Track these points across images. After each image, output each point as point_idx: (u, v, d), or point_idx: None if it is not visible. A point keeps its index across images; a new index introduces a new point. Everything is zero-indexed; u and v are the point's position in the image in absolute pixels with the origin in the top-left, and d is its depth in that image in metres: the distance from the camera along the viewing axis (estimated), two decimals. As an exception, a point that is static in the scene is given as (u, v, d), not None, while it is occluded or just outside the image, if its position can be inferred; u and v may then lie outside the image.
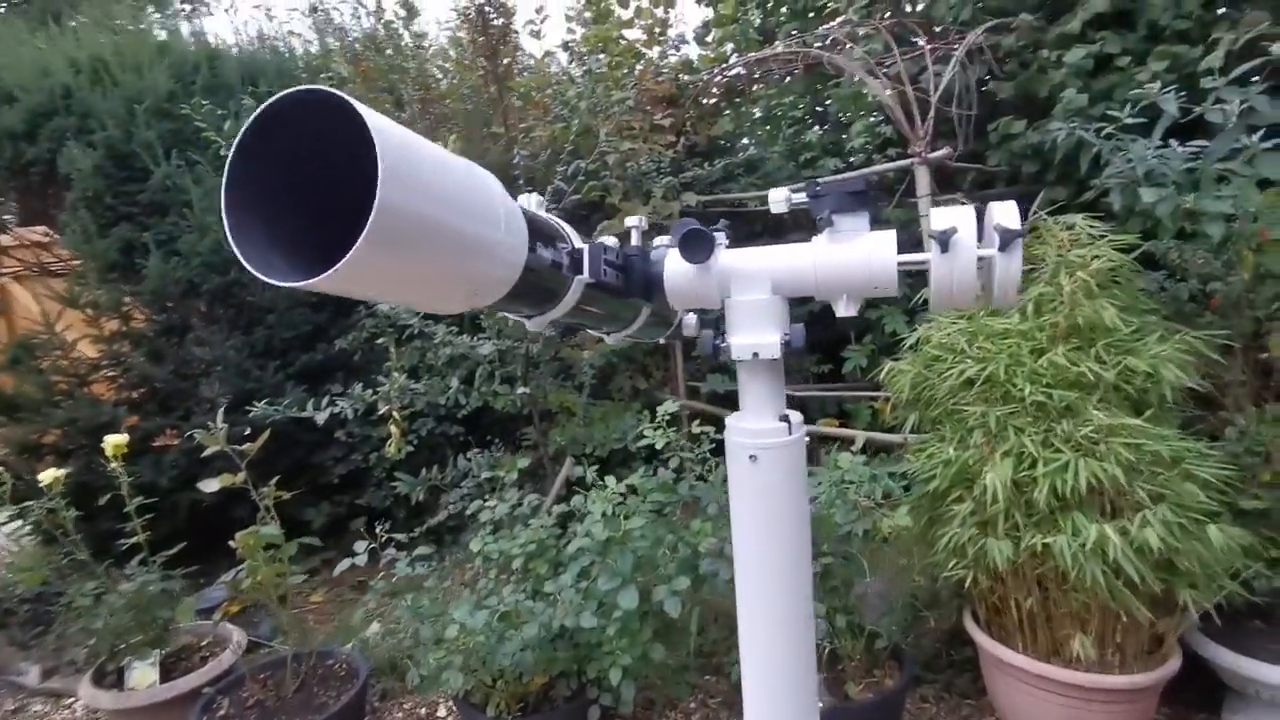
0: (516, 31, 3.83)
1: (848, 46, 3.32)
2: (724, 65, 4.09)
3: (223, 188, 0.61)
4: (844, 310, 0.96)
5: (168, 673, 2.59)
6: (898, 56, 3.10)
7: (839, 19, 3.68)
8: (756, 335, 0.96)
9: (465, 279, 0.68)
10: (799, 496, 1.02)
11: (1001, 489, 1.89)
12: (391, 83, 3.13)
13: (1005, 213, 0.85)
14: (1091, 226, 2.19)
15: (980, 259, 0.86)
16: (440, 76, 3.85)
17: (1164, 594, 1.86)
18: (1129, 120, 2.40)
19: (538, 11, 4.00)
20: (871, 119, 3.70)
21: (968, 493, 2.04)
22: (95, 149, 3.64)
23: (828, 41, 3.54)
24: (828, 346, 4.20)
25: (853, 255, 0.93)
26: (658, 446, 2.20)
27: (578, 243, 0.91)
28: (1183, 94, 2.29)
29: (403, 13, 3.86)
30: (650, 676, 2.27)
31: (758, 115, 4.67)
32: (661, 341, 1.43)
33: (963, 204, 2.77)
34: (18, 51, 3.82)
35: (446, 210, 0.63)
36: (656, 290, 1.02)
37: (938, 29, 3.53)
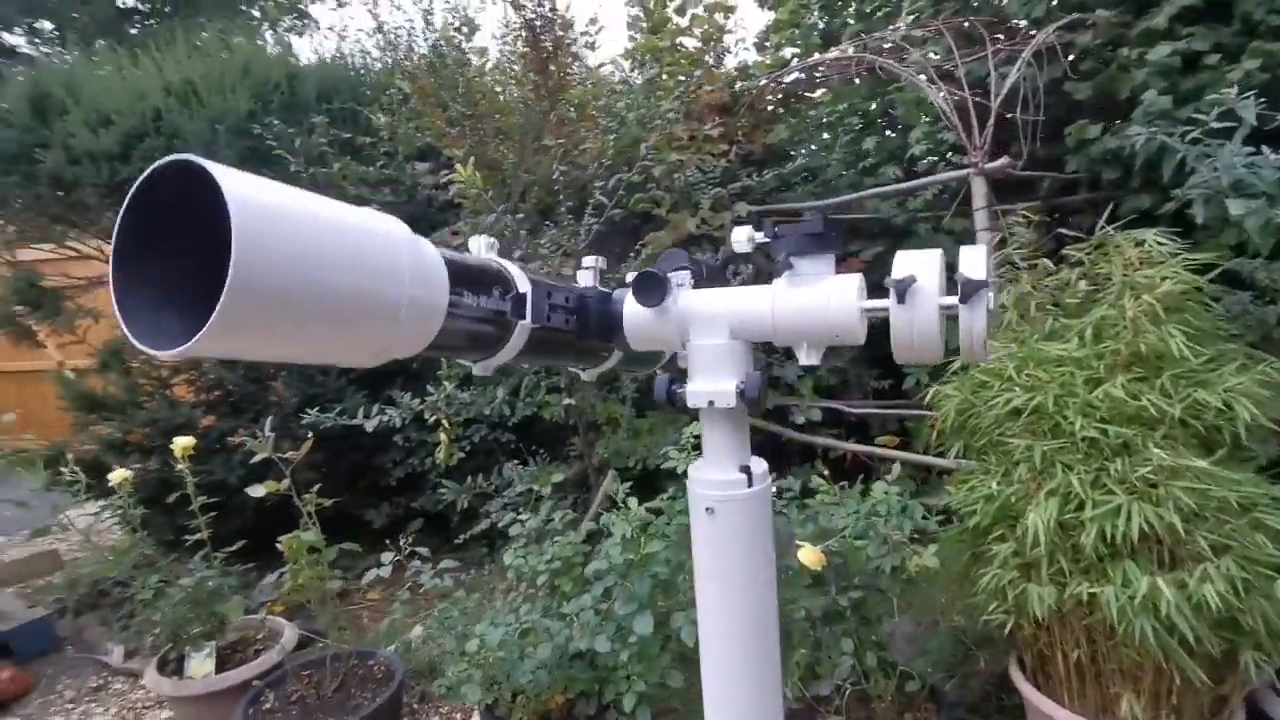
0: (573, 40, 3.84)
1: (906, 50, 3.16)
2: (779, 71, 3.97)
3: (112, 249, 0.61)
4: (806, 359, 0.90)
5: (223, 663, 2.74)
6: (958, 59, 2.93)
7: (903, 19, 3.51)
8: (713, 382, 0.92)
9: (362, 337, 0.67)
10: (761, 551, 0.96)
11: (1044, 531, 1.75)
12: (443, 99, 3.20)
13: (971, 261, 0.77)
14: (1162, 243, 2.00)
15: (944, 308, 0.79)
16: (499, 90, 3.91)
17: (1225, 653, 1.67)
18: (1216, 125, 2.18)
19: (592, 22, 4.01)
20: (934, 125, 3.52)
21: (1010, 532, 1.90)
22: (181, 167, 3.87)
23: (889, 45, 3.38)
24: (889, 361, 4.02)
25: (811, 300, 0.87)
26: (678, 471, 2.15)
27: (523, 286, 0.89)
28: (1262, 100, 2.06)
29: (465, 30, 3.94)
30: (672, 702, 2.23)
31: (824, 120, 4.52)
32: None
33: (1025, 217, 2.54)
34: (116, 78, 4.14)
35: (327, 271, 0.61)
36: (616, 332, 0.98)
37: (1008, 25, 3.32)
